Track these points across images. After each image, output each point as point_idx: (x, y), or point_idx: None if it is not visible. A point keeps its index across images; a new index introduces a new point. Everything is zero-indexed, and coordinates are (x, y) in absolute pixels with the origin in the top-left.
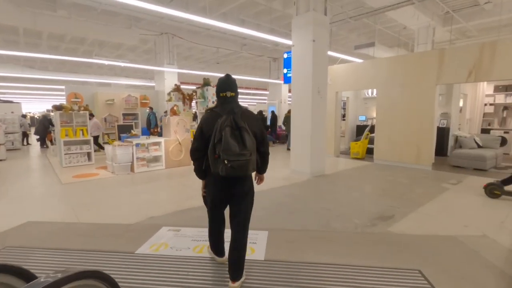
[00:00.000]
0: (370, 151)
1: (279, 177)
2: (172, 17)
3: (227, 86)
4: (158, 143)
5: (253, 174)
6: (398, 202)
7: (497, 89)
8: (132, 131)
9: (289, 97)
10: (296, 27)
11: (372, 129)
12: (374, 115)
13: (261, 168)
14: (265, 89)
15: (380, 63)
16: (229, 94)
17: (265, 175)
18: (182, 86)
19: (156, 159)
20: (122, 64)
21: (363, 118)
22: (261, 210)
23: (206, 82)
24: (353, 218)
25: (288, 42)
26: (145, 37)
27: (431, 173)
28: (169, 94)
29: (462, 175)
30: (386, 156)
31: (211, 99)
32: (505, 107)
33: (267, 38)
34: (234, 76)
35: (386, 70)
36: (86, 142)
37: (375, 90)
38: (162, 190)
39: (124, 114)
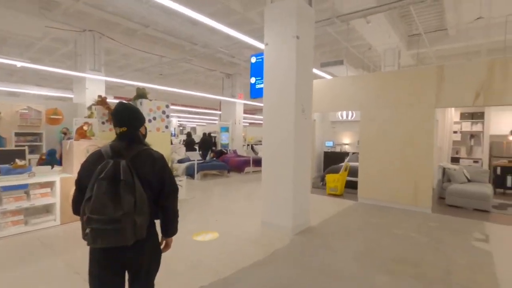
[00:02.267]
0: (348, 185)
1: (247, 237)
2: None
3: (118, 118)
4: (50, 184)
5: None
6: None
7: (463, 116)
8: (17, 160)
9: (244, 118)
10: (270, 20)
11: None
12: (344, 140)
13: (166, 229)
14: (216, 109)
15: (364, 80)
16: (123, 129)
17: (227, 231)
18: (114, 101)
19: (46, 209)
20: (19, 64)
21: (330, 144)
22: None
23: (140, 93)
24: None
25: (256, 44)
26: (63, 35)
27: (436, 220)
28: (89, 108)
29: (475, 222)
30: (374, 194)
31: (147, 116)
32: (472, 135)
33: (227, 33)
34: (181, 91)
35: (373, 89)
36: None
37: (350, 113)
38: None
39: (18, 134)
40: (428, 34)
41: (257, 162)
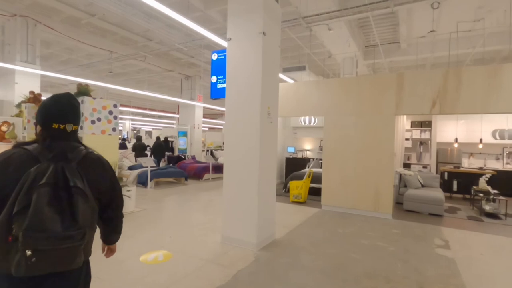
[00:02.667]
0: (310, 192)
1: (206, 257)
2: None
3: (66, 113)
4: None
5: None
6: None
7: (414, 124)
8: None
9: (204, 123)
10: (234, 14)
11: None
12: (305, 146)
13: (111, 238)
14: (174, 112)
15: (328, 85)
16: (70, 127)
17: (182, 250)
18: None
19: None
20: None
21: (292, 149)
22: None
23: (81, 90)
24: None
25: (218, 40)
26: None
27: (398, 226)
28: (18, 105)
29: (433, 227)
30: (337, 201)
31: (90, 116)
32: (421, 142)
33: (185, 29)
34: (135, 91)
35: (336, 94)
36: None
37: (312, 119)
38: None
39: None
40: (383, 46)
41: (217, 169)
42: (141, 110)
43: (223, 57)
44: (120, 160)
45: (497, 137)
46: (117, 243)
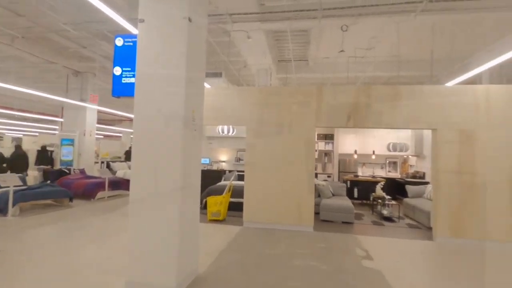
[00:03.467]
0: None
1: None
2: None
3: None
4: None
5: None
6: None
7: (319, 137)
8: None
9: (97, 129)
10: None
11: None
12: (221, 158)
13: None
14: (56, 116)
15: (250, 93)
16: None
17: None
18: None
19: None
20: None
21: (206, 161)
22: None
23: None
24: None
25: (122, 22)
26: None
27: (321, 239)
28: None
29: (350, 236)
30: (260, 217)
31: None
32: (325, 154)
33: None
34: None
35: (258, 103)
36: None
37: (231, 128)
38: None
39: None
40: (294, 62)
41: (116, 185)
42: (6, 110)
43: (131, 43)
44: None
45: (391, 149)
46: None
